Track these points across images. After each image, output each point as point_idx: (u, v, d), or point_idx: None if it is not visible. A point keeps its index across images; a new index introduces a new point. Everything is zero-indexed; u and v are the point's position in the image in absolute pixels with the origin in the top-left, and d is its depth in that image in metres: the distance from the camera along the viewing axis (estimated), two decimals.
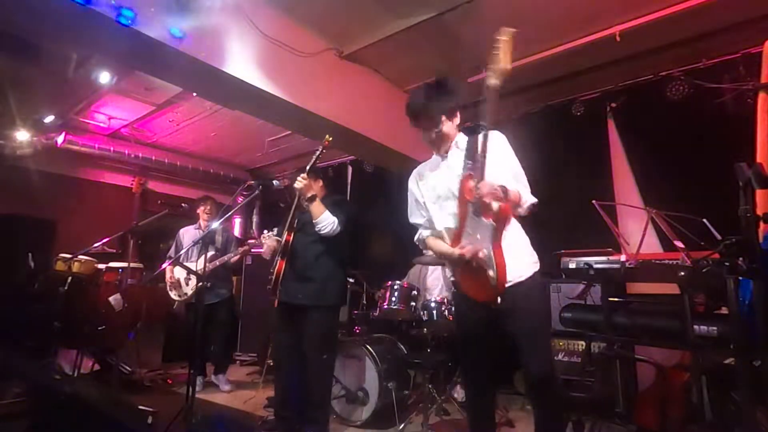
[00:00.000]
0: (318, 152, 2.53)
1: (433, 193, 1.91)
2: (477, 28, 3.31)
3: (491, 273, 1.63)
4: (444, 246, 1.84)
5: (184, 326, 4.35)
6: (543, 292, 1.75)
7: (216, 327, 4.00)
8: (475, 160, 1.68)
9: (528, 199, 1.76)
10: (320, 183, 2.77)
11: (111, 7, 2.38)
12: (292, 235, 2.61)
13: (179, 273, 3.93)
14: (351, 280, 3.77)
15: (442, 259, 1.98)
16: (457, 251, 1.71)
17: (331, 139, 2.55)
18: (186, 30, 2.70)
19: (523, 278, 1.74)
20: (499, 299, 1.66)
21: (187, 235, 4.08)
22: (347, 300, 4.04)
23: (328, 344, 2.66)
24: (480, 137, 1.66)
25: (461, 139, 1.87)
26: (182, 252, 3.82)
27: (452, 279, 1.88)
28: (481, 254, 1.65)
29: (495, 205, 1.64)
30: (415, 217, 2.01)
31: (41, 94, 4.33)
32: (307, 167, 2.50)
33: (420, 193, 1.97)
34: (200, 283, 2.79)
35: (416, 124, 1.85)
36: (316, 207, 2.50)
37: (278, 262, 2.59)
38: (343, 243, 2.67)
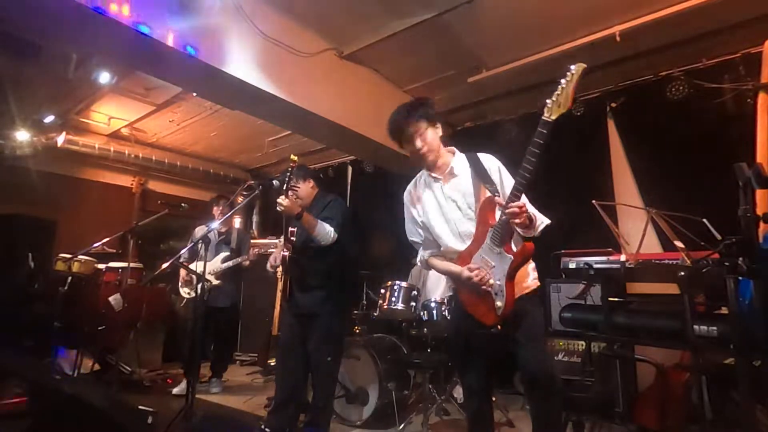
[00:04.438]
0: (288, 173, 2.49)
1: (436, 212, 1.86)
2: (477, 28, 3.31)
3: (499, 303, 1.63)
4: (451, 265, 1.82)
5: (185, 326, 4.34)
6: (541, 305, 1.78)
7: (217, 331, 3.99)
8: (489, 183, 1.72)
9: (543, 221, 1.77)
10: (310, 183, 2.74)
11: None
12: (291, 248, 2.60)
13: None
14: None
15: (447, 276, 1.94)
16: (466, 273, 1.69)
17: (296, 158, 2.52)
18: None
19: (524, 293, 1.74)
20: (499, 326, 1.66)
21: (201, 234, 4.02)
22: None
23: (333, 346, 2.62)
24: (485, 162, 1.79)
25: (458, 161, 1.87)
26: (182, 252, 3.78)
27: (454, 287, 1.89)
28: (491, 281, 1.65)
29: (520, 236, 1.66)
30: (413, 236, 1.98)
31: (41, 94, 4.33)
32: (284, 188, 2.47)
33: (418, 212, 1.93)
34: (200, 283, 2.79)
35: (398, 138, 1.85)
36: (308, 222, 2.47)
37: (283, 276, 2.60)
38: (344, 246, 2.64)
